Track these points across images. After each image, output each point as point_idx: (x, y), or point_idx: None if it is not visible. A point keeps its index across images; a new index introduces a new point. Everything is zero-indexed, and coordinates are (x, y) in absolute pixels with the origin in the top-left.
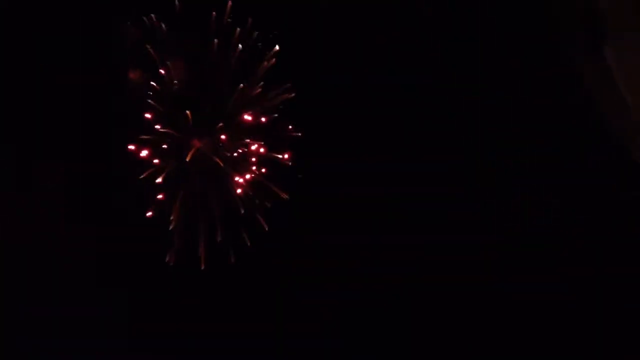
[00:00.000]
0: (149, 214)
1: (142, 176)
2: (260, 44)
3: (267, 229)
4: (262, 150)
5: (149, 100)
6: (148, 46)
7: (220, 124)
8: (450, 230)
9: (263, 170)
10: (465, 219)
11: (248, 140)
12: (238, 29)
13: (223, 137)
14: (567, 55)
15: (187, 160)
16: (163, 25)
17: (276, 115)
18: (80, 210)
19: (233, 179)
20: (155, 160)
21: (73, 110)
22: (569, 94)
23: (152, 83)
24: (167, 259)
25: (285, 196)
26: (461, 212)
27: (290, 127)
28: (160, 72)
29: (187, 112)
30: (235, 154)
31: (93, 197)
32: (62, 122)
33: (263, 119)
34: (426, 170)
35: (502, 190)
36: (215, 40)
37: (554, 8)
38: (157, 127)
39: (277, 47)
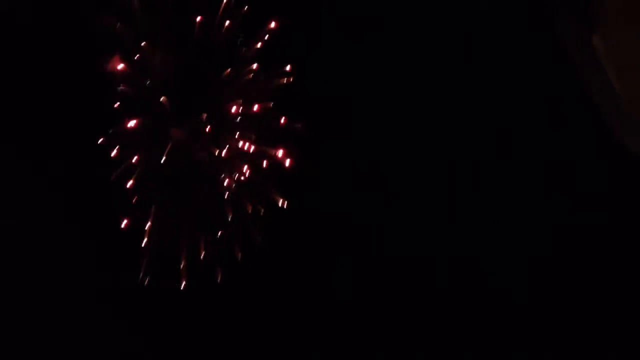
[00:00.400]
0: (125, 223)
1: (112, 177)
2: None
3: (260, 240)
4: (253, 146)
5: (121, 87)
6: (121, 26)
7: (204, 115)
8: (453, 231)
9: (264, 165)
10: (465, 218)
11: (237, 134)
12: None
13: (207, 129)
14: (559, 46)
15: (165, 155)
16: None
17: (271, 104)
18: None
19: (220, 180)
20: (135, 158)
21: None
22: (562, 86)
23: (121, 67)
24: (140, 277)
25: (282, 201)
26: (462, 211)
27: (284, 118)
28: (136, 56)
29: (163, 98)
30: (222, 151)
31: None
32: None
33: (255, 109)
34: (430, 168)
35: (496, 186)
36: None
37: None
38: (132, 119)
39: (272, 24)
